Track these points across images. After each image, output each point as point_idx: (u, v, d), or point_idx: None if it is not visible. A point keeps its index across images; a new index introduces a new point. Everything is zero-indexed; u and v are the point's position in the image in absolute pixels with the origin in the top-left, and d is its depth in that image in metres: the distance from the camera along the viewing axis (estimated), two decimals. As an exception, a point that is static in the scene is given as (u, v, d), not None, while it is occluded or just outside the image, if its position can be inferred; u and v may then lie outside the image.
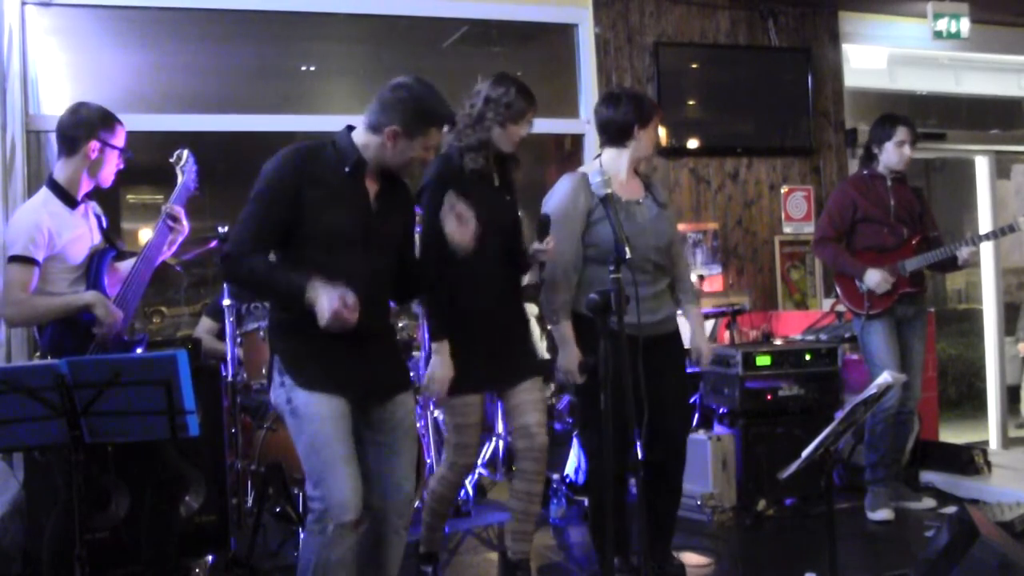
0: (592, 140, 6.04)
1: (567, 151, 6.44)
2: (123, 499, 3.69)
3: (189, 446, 3.55)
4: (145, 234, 3.60)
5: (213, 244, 4.37)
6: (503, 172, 3.55)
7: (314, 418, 2.77)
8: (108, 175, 3.37)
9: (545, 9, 6.04)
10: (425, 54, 6.33)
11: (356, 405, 2.86)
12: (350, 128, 2.91)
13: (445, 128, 2.99)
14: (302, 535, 2.97)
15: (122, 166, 3.40)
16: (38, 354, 3.30)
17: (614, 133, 3.72)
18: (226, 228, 4.34)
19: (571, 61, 6.12)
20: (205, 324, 5.15)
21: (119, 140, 3.35)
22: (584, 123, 6.04)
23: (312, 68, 6.57)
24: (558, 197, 3.66)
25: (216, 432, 4.06)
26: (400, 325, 5.56)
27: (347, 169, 2.82)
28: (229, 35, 5.86)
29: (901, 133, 4.65)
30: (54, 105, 5.05)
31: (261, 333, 4.33)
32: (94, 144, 3.27)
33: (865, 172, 4.79)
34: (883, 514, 4.56)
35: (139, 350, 3.33)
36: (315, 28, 5.88)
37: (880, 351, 4.59)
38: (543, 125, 6.53)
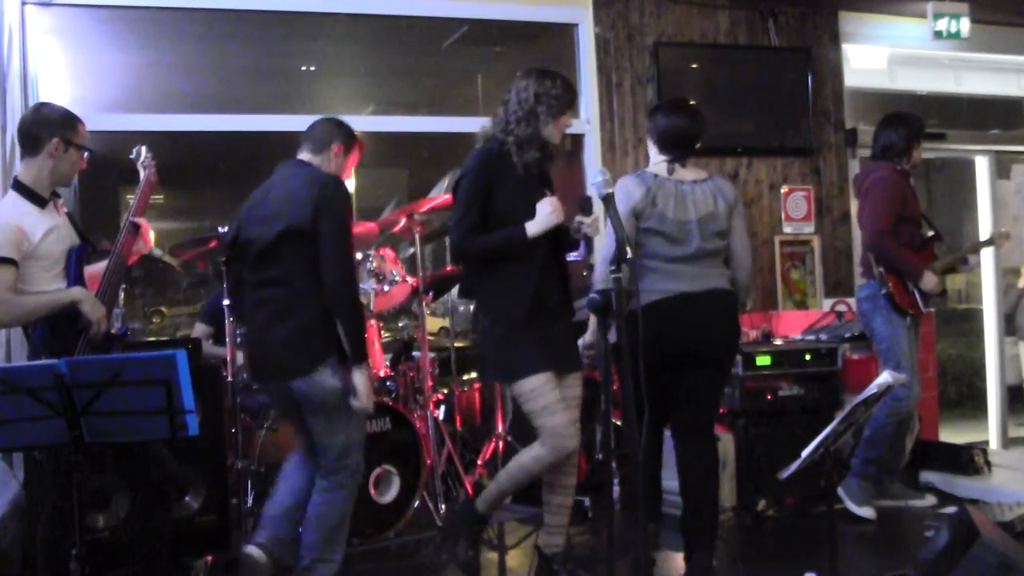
0: (592, 140, 6.05)
1: (567, 151, 6.42)
2: (124, 499, 3.69)
3: (189, 446, 3.55)
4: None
5: (213, 244, 4.37)
6: (539, 165, 3.56)
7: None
8: (71, 174, 3.38)
9: (545, 9, 6.03)
10: (425, 54, 6.32)
11: None
12: None
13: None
14: (324, 494, 3.43)
15: (84, 165, 3.40)
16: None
17: (687, 144, 3.75)
18: (226, 228, 4.30)
19: (571, 61, 6.11)
20: (199, 329, 5.12)
21: (81, 138, 3.35)
22: (584, 123, 6.03)
23: (312, 68, 6.57)
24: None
25: (216, 432, 4.06)
26: (400, 325, 5.58)
27: None
28: (229, 35, 5.85)
29: (920, 134, 4.78)
30: (54, 105, 5.04)
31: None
32: (56, 143, 3.27)
33: (898, 168, 4.71)
34: (867, 511, 4.53)
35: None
36: (315, 28, 5.88)
37: (911, 350, 4.64)
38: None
